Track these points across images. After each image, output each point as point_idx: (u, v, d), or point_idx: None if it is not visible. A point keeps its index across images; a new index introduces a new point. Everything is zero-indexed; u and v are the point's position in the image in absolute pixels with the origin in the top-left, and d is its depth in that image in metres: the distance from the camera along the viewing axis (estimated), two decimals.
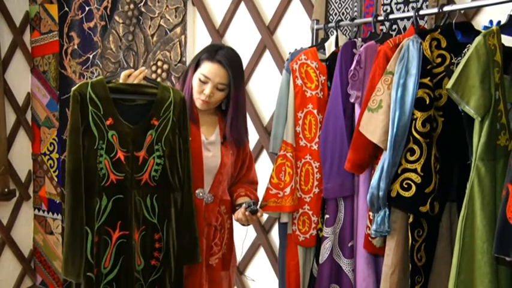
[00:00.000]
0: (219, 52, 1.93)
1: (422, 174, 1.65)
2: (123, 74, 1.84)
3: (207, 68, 1.91)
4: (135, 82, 1.84)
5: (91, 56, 3.51)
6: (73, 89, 1.74)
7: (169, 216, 1.83)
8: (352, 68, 1.90)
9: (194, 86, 1.94)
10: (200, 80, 1.92)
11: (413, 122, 1.66)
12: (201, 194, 1.95)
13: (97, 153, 1.74)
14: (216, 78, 1.91)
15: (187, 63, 2.71)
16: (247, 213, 1.90)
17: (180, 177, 1.84)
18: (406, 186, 1.67)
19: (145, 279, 1.82)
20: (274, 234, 2.77)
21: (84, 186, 1.73)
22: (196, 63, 1.96)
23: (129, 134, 1.77)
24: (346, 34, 2.33)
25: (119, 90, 1.79)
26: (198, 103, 1.96)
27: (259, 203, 2.07)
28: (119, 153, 1.76)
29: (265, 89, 2.77)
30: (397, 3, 2.20)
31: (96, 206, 1.75)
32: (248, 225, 2.01)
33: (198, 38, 2.95)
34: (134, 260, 1.78)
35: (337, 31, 2.16)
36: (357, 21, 2.16)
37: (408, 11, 2.15)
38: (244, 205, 1.91)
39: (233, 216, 2.00)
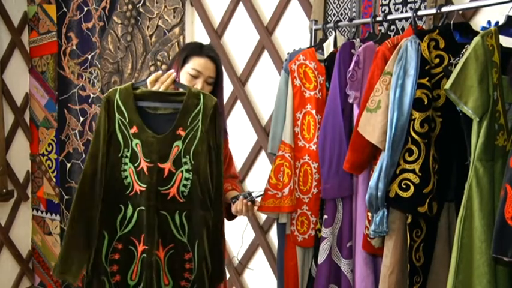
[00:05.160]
0: (203, 48, 1.99)
1: (420, 174, 1.65)
2: (149, 80, 1.78)
3: (197, 62, 1.93)
4: (162, 88, 1.76)
5: (89, 57, 3.51)
6: (104, 94, 1.74)
7: (201, 236, 1.72)
8: (351, 68, 1.90)
9: (183, 81, 1.93)
10: (191, 74, 1.92)
11: (412, 122, 1.66)
12: None
13: (121, 161, 1.72)
14: (207, 72, 1.94)
15: None
16: (249, 203, 1.90)
17: (211, 194, 1.73)
18: (404, 186, 1.67)
19: None
20: (273, 234, 2.77)
21: (109, 191, 1.72)
22: (183, 59, 1.95)
23: (153, 144, 1.70)
24: (345, 35, 2.33)
25: (144, 98, 1.72)
26: None
27: (257, 193, 2.07)
28: (142, 163, 1.71)
29: (264, 89, 2.77)
30: (395, 4, 2.21)
31: (120, 214, 1.74)
32: (250, 215, 2.02)
33: (197, 39, 2.94)
34: (160, 278, 1.74)
35: (335, 32, 2.16)
36: (356, 21, 2.16)
37: (406, 11, 2.15)
38: (241, 196, 1.91)
39: (232, 209, 1.99)
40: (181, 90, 1.78)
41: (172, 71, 1.80)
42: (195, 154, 1.70)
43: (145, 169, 1.71)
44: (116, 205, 1.74)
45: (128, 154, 1.72)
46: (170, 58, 3.02)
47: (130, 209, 1.74)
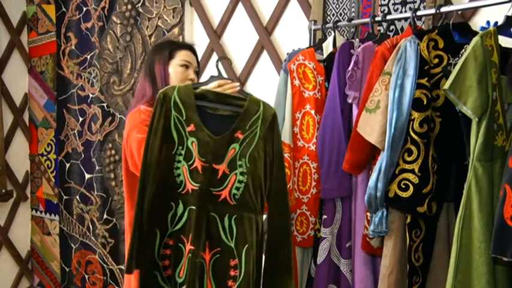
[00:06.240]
0: (180, 42, 2.11)
1: (419, 174, 1.66)
2: (217, 82, 1.77)
3: (184, 54, 2.01)
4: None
5: (88, 57, 3.50)
6: (160, 91, 1.72)
7: (250, 241, 1.69)
8: (350, 68, 1.90)
9: (176, 74, 1.97)
10: (182, 66, 1.99)
11: (411, 122, 1.67)
12: None
13: (175, 158, 1.70)
14: (194, 62, 2.03)
15: None
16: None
17: (263, 199, 1.72)
18: (403, 186, 1.67)
19: None
20: None
21: (161, 188, 1.70)
22: (168, 56, 1.99)
23: (209, 144, 1.68)
24: (344, 35, 2.33)
25: (204, 97, 1.72)
26: None
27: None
28: (196, 162, 1.68)
29: (263, 89, 2.76)
30: (394, 4, 2.21)
31: (171, 211, 1.71)
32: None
33: (196, 39, 2.94)
34: (204, 281, 1.70)
35: (334, 32, 2.16)
36: (355, 21, 2.16)
37: (406, 11, 2.15)
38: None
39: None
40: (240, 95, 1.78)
41: (237, 83, 1.81)
42: (251, 158, 1.69)
43: (199, 168, 1.68)
44: (167, 202, 1.72)
45: (182, 152, 1.69)
46: None
47: (181, 207, 1.71)
